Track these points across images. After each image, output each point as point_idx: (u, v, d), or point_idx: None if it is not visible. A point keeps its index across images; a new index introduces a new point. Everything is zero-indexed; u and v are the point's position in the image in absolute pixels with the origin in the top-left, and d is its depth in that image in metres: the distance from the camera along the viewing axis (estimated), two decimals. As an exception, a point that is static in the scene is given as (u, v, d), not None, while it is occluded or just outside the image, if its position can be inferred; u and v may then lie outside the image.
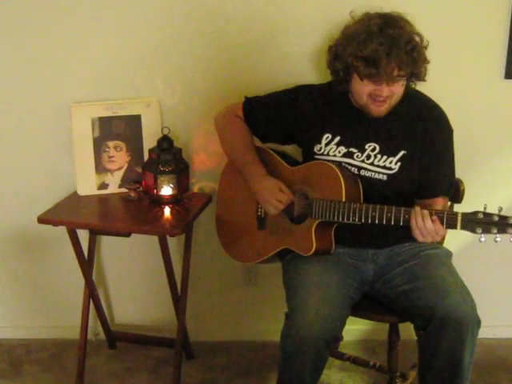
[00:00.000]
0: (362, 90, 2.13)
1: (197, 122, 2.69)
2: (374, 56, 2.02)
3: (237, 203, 2.43)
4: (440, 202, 2.21)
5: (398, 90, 2.12)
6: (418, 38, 2.10)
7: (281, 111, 2.32)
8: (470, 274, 2.22)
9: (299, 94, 2.32)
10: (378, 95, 2.11)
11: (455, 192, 2.34)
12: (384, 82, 2.08)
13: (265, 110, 2.35)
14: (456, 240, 2.43)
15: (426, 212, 2.01)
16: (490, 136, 2.69)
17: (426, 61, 2.14)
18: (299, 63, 2.60)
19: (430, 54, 2.17)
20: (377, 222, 2.06)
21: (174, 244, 2.75)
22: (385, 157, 2.21)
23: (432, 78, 2.23)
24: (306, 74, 2.58)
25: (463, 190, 2.39)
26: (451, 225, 1.97)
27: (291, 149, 2.49)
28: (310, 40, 2.57)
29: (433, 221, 1.99)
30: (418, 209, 2.02)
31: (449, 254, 2.32)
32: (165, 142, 2.51)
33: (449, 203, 2.33)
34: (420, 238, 2.03)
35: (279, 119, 2.33)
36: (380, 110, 2.16)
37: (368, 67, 2.05)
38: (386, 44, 2.02)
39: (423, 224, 2.00)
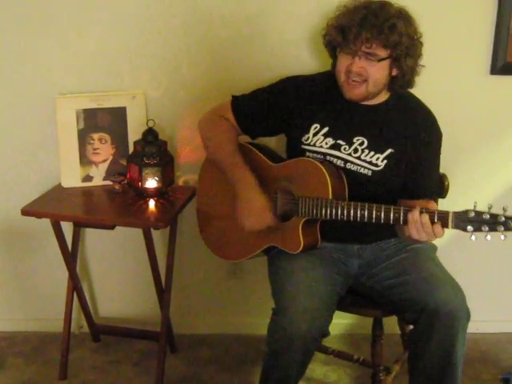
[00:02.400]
0: (340, 65, 2.14)
1: (182, 115, 2.68)
2: (347, 25, 2.06)
3: (219, 197, 2.38)
4: (424, 204, 2.13)
5: (372, 71, 2.10)
6: (407, 28, 2.07)
7: (271, 105, 2.30)
8: (452, 268, 2.20)
9: (288, 85, 2.30)
10: (350, 71, 2.11)
11: (440, 187, 2.34)
12: (353, 53, 2.08)
13: (254, 105, 2.32)
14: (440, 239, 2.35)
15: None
16: (475, 131, 2.69)
17: (414, 56, 2.13)
18: (289, 53, 2.58)
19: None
20: (366, 220, 2.05)
21: (159, 237, 2.75)
22: (372, 152, 2.20)
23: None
24: (297, 64, 2.56)
25: (447, 185, 2.38)
26: (443, 224, 1.96)
27: (274, 144, 2.51)
28: (300, 28, 2.55)
29: (432, 222, 1.97)
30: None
31: (434, 248, 2.32)
32: (150, 135, 2.49)
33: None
34: (415, 235, 2.00)
35: (270, 114, 2.30)
36: (354, 92, 2.14)
37: (338, 35, 2.08)
38: (363, 16, 2.04)
39: (420, 218, 1.97)
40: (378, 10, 2.05)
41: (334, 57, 2.22)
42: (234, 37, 2.58)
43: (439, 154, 2.26)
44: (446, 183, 2.37)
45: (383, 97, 2.23)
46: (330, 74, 2.24)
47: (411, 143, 2.19)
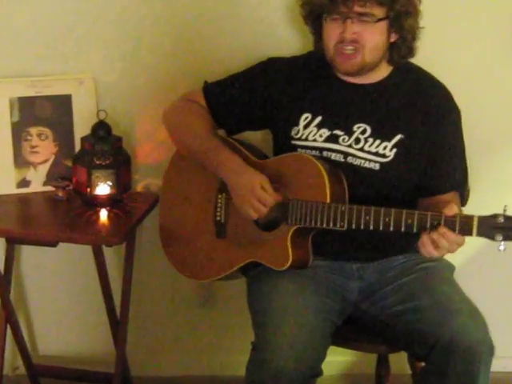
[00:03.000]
0: (329, 36, 2.16)
1: (142, 105, 2.67)
2: None
3: (187, 205, 2.38)
4: (452, 200, 2.15)
5: (368, 36, 2.13)
6: None
7: (250, 92, 2.33)
8: (472, 291, 2.20)
9: (269, 68, 2.33)
10: (343, 40, 2.12)
11: (466, 177, 2.31)
12: (343, 17, 2.10)
13: (231, 93, 2.35)
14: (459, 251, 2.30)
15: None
16: (504, 121, 2.67)
17: (413, 14, 2.16)
18: (267, 33, 2.58)
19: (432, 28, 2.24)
20: (371, 228, 2.03)
21: (113, 256, 2.75)
22: (378, 141, 2.20)
23: (432, 58, 2.31)
24: (277, 46, 2.55)
25: (468, 191, 2.35)
26: (466, 231, 1.94)
27: (257, 140, 2.50)
28: (280, 3, 2.54)
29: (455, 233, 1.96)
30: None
31: (451, 268, 2.31)
32: (101, 129, 2.48)
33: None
34: (431, 251, 1.99)
35: (250, 102, 2.33)
36: (347, 63, 2.16)
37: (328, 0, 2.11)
38: None
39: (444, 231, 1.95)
40: None
41: (317, 32, 2.24)
42: (204, 13, 2.57)
43: (461, 134, 2.26)
44: (467, 188, 2.34)
45: (384, 72, 2.24)
46: (317, 54, 2.27)
47: (424, 124, 2.20)
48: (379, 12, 2.11)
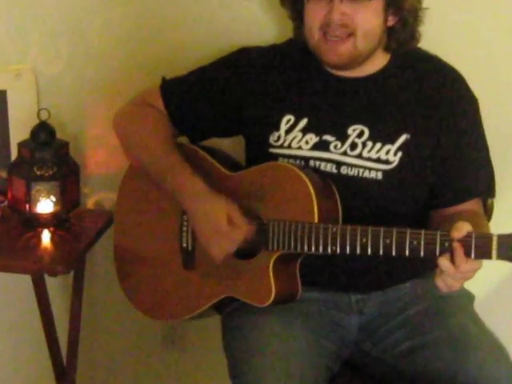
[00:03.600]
0: (312, 18, 2.14)
1: (92, 102, 2.68)
2: None
3: (147, 227, 2.36)
4: (475, 208, 2.17)
5: (361, 18, 2.11)
6: None
7: (218, 90, 2.31)
8: (496, 324, 2.19)
9: (241, 60, 2.31)
10: (329, 23, 2.10)
11: (491, 180, 2.29)
12: None
13: (195, 92, 2.34)
14: (478, 275, 2.25)
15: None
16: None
17: None
18: (240, 17, 2.57)
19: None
20: (369, 252, 1.99)
21: (57, 288, 2.75)
22: (378, 144, 2.17)
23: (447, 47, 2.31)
24: (251, 33, 2.55)
25: (492, 204, 2.34)
26: (483, 254, 1.89)
27: (230, 146, 2.50)
28: None
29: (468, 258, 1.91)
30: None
31: (470, 297, 2.29)
32: (43, 133, 2.46)
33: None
34: (449, 281, 1.94)
35: (218, 103, 2.32)
36: (337, 51, 2.13)
37: None
38: None
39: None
40: None
41: (297, 16, 2.23)
42: None
43: (481, 127, 2.24)
44: (490, 202, 2.32)
45: (381, 61, 2.23)
46: (298, 43, 2.25)
47: (435, 119, 2.18)
48: None
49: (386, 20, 2.15)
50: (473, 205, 2.19)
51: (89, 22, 2.60)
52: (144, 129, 2.32)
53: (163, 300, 2.35)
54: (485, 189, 2.25)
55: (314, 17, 2.14)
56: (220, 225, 2.12)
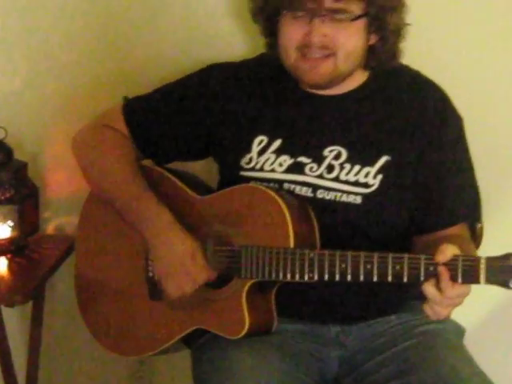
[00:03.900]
0: (288, 38, 2.11)
1: (52, 120, 2.66)
2: None
3: (110, 255, 2.33)
4: (460, 233, 2.14)
5: (343, 38, 2.09)
6: None
7: (184, 109, 2.29)
8: (488, 363, 2.13)
9: (211, 77, 2.29)
10: (309, 44, 2.07)
11: (477, 203, 2.29)
12: (310, 15, 2.06)
13: (159, 111, 2.31)
14: (468, 305, 2.22)
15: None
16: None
17: (398, 9, 2.14)
18: (208, 31, 2.57)
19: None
20: (349, 278, 1.97)
21: (15, 319, 2.74)
22: (357, 167, 2.15)
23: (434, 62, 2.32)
24: (221, 48, 2.55)
25: (481, 229, 2.29)
26: (471, 278, 1.87)
27: (203, 170, 2.48)
28: None
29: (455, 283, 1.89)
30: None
31: (459, 331, 2.25)
32: None
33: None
34: (437, 308, 1.91)
35: (183, 122, 2.30)
36: (317, 72, 2.11)
37: None
38: None
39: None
40: None
41: (270, 33, 2.20)
42: (129, 5, 2.58)
43: (466, 147, 2.21)
44: (480, 225, 2.29)
45: (360, 77, 2.20)
46: (270, 58, 2.22)
47: (417, 139, 2.15)
48: (356, 8, 2.07)
49: (367, 39, 2.14)
50: (458, 230, 2.17)
51: (49, 36, 2.59)
52: (104, 154, 2.29)
53: (129, 334, 2.31)
54: (469, 213, 2.23)
55: (291, 36, 2.12)
56: (182, 263, 2.13)
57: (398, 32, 2.17)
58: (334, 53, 2.09)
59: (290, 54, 2.12)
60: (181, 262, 2.12)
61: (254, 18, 2.25)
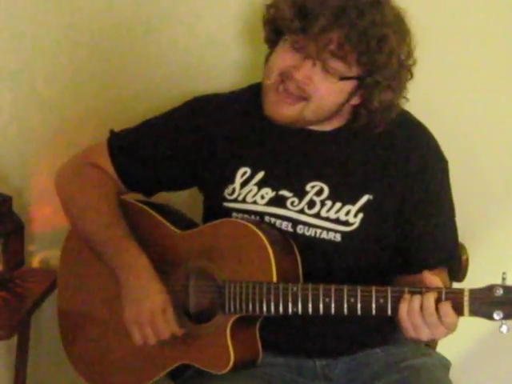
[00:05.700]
0: (278, 60, 2.12)
1: (37, 155, 2.66)
2: (311, 5, 2.04)
3: (93, 292, 2.31)
4: (438, 276, 2.09)
5: (321, 90, 2.08)
6: (400, 44, 2.10)
7: (169, 143, 2.28)
8: None
9: (195, 110, 2.28)
10: (289, 77, 2.07)
11: (456, 248, 2.29)
12: (308, 54, 2.05)
13: (144, 145, 2.30)
14: (453, 338, 2.24)
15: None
16: (507, 177, 2.63)
17: (399, 90, 2.13)
18: (198, 63, 2.58)
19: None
20: (332, 312, 1.96)
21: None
22: (338, 204, 2.15)
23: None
24: (207, 80, 2.56)
25: (467, 260, 2.32)
26: (455, 309, 1.88)
27: (187, 201, 2.52)
28: (228, 13, 2.52)
29: (439, 303, 1.90)
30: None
31: (445, 365, 2.25)
32: None
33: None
34: (410, 331, 1.92)
35: (168, 156, 2.29)
36: (279, 109, 2.12)
37: (293, 13, 2.06)
38: (340, 6, 2.02)
39: (413, 306, 1.89)
40: (366, 8, 2.04)
41: (270, 44, 2.21)
42: (116, 37, 2.57)
43: (448, 190, 2.22)
44: (465, 257, 2.32)
45: (345, 116, 2.20)
46: (258, 91, 2.22)
47: (400, 180, 2.16)
48: (350, 70, 2.06)
49: (349, 98, 2.13)
50: (438, 274, 2.12)
51: (34, 70, 2.60)
52: (84, 192, 2.27)
53: (112, 370, 2.29)
54: (450, 256, 2.22)
55: (281, 60, 2.11)
56: (152, 315, 2.11)
57: (387, 107, 2.16)
58: (307, 98, 2.09)
59: (271, 74, 2.12)
60: (151, 313, 2.11)
61: (264, 26, 2.23)
